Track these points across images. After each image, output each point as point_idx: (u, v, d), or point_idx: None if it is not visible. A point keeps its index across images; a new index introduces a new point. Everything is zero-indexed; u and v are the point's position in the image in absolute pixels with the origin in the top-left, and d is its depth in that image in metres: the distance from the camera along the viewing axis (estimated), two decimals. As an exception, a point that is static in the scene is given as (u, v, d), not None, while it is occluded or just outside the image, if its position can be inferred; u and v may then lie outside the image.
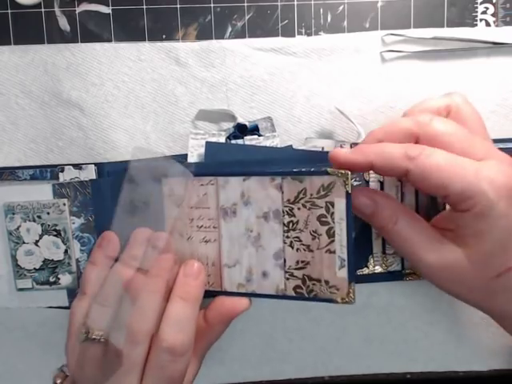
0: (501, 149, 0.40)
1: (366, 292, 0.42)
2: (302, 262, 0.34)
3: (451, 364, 0.44)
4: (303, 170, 0.33)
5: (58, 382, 0.39)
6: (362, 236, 0.38)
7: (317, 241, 0.33)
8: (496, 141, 0.41)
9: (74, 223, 0.39)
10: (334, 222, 0.33)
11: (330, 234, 0.33)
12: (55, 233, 0.39)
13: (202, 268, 0.35)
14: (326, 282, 0.33)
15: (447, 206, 0.40)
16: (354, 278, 0.33)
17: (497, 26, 0.41)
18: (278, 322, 0.43)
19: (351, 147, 0.40)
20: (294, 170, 0.34)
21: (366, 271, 0.38)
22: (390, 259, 0.39)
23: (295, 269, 0.34)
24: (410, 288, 0.42)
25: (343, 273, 0.33)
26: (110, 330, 0.33)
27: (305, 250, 0.34)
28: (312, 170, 0.33)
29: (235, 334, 0.43)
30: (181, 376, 0.33)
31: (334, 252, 0.33)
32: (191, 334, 0.33)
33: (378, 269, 0.39)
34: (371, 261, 0.38)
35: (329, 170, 0.32)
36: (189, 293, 0.34)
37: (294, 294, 0.34)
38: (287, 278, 0.34)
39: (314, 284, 0.34)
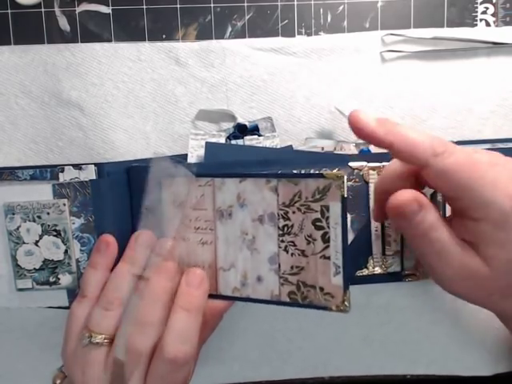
0: (501, 149, 0.41)
1: (365, 292, 0.42)
2: (297, 267, 0.33)
3: (453, 366, 0.44)
4: (299, 172, 0.33)
5: (58, 382, 0.39)
6: (362, 237, 0.38)
7: (312, 246, 0.32)
8: (496, 141, 0.41)
9: (74, 223, 0.39)
10: (329, 227, 0.32)
11: (325, 240, 0.32)
12: (55, 233, 0.39)
13: (204, 276, 0.34)
14: (321, 289, 0.32)
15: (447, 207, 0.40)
16: (349, 286, 0.32)
17: (497, 26, 0.41)
18: (278, 322, 0.43)
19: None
20: (290, 172, 0.33)
21: (365, 272, 0.38)
22: (390, 260, 0.38)
23: (290, 274, 0.33)
24: (410, 289, 0.42)
25: (338, 280, 0.32)
26: (114, 336, 0.33)
27: (299, 254, 0.33)
28: (307, 172, 0.33)
29: (235, 334, 0.43)
30: (183, 383, 0.33)
31: (328, 258, 0.32)
32: (194, 343, 0.32)
33: (378, 270, 0.38)
34: (371, 262, 0.38)
35: (324, 173, 0.31)
36: (191, 303, 0.33)
37: (288, 300, 0.34)
38: (282, 284, 0.34)
39: (308, 290, 0.33)
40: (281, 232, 0.33)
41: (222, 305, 0.36)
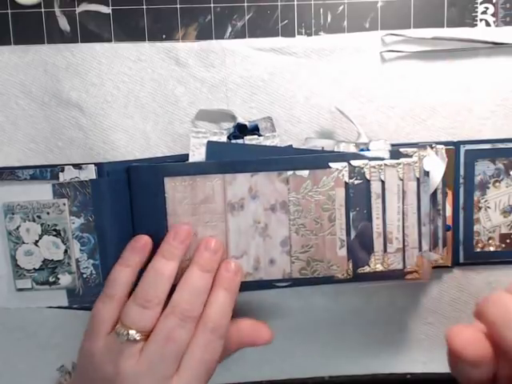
0: (501, 149, 0.41)
1: (366, 292, 0.42)
2: (307, 245, 0.38)
3: None
4: (307, 165, 0.37)
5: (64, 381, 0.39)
6: (363, 234, 0.38)
7: (320, 226, 0.37)
8: (496, 141, 0.41)
9: (73, 223, 0.38)
10: (334, 209, 0.37)
11: (332, 219, 0.37)
12: (55, 233, 0.38)
13: (240, 266, 0.37)
14: (328, 262, 0.38)
15: (447, 207, 0.40)
16: (352, 257, 0.37)
17: (497, 26, 0.41)
18: (279, 321, 0.43)
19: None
20: (299, 165, 0.37)
21: (367, 269, 0.38)
22: (392, 258, 0.39)
23: (300, 253, 0.38)
24: (410, 289, 0.42)
25: (343, 252, 0.37)
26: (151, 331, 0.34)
27: (309, 234, 0.37)
28: (315, 164, 0.37)
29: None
30: (217, 360, 0.35)
31: (334, 234, 0.37)
32: (228, 321, 0.36)
33: (379, 267, 0.39)
34: (372, 259, 0.38)
35: (330, 164, 0.37)
36: (231, 285, 0.36)
37: (299, 276, 0.38)
38: (293, 262, 0.38)
39: (317, 264, 0.38)
40: (292, 217, 0.37)
41: (249, 342, 0.38)
